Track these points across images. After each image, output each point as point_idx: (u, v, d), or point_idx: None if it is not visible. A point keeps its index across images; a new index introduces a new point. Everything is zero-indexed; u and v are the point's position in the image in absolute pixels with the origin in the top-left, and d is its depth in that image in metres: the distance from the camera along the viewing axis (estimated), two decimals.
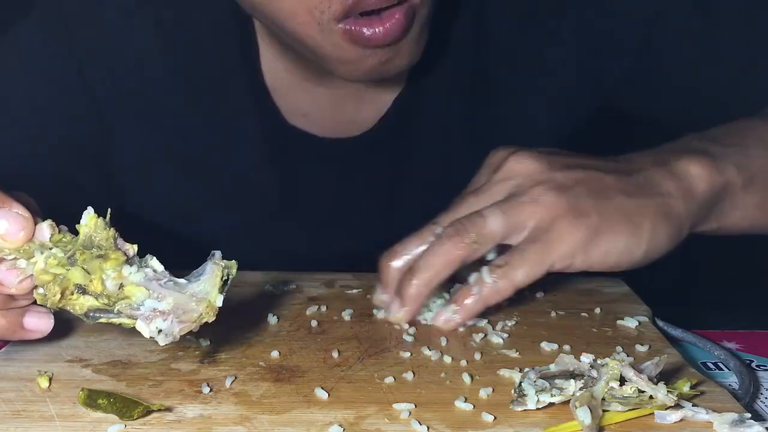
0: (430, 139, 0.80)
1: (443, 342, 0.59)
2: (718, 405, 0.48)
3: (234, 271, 0.47)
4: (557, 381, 0.48)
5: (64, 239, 0.46)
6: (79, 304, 0.45)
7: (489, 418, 0.47)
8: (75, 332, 0.58)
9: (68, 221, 0.47)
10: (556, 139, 0.80)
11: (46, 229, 0.46)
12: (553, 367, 0.50)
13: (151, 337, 0.45)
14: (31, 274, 0.45)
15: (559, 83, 0.80)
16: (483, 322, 0.62)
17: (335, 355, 0.56)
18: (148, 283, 0.46)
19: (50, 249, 0.45)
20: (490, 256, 0.61)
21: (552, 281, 0.60)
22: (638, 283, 0.72)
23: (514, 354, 0.57)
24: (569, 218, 0.58)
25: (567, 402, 0.47)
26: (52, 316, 0.50)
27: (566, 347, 0.58)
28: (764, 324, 0.70)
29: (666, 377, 0.49)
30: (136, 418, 0.45)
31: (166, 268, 0.47)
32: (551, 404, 0.47)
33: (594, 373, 0.48)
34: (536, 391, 0.47)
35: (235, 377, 0.51)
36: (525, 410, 0.47)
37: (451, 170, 0.81)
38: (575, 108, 0.83)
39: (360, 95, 0.78)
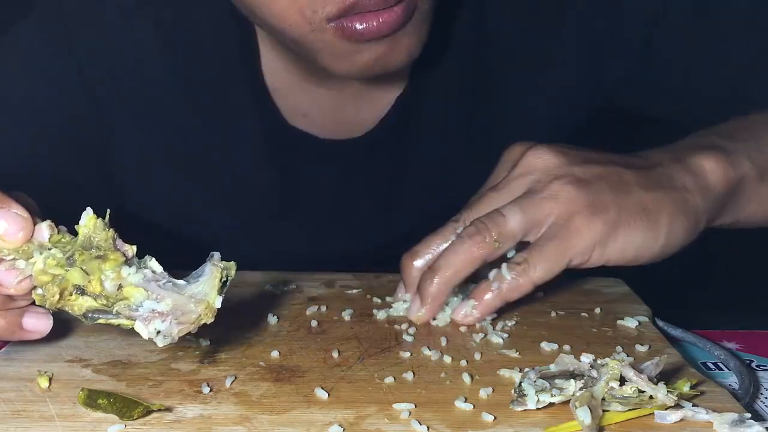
0: (430, 139, 0.80)
1: (443, 342, 0.59)
2: (718, 405, 0.48)
3: (233, 272, 0.47)
4: (557, 381, 0.48)
5: (63, 240, 0.46)
6: (78, 305, 0.45)
7: (489, 418, 0.47)
8: (75, 332, 0.58)
9: (68, 221, 0.47)
10: (556, 139, 0.80)
11: (45, 229, 0.46)
12: (553, 367, 0.50)
13: (149, 338, 0.45)
14: (30, 275, 0.45)
15: (559, 83, 0.80)
16: (483, 322, 0.62)
17: (335, 355, 0.56)
18: (147, 284, 0.46)
19: (49, 249, 0.45)
20: (510, 253, 0.61)
21: (552, 281, 0.60)
22: (638, 283, 0.72)
23: (514, 354, 0.57)
24: (586, 214, 0.59)
25: (567, 402, 0.47)
26: (51, 317, 0.50)
27: (566, 347, 0.58)
28: (764, 324, 0.70)
29: (666, 377, 0.49)
30: (136, 418, 0.45)
31: (165, 269, 0.47)
32: (551, 404, 0.47)
33: (594, 373, 0.47)
34: (536, 391, 0.47)
35: (235, 377, 0.51)
36: (525, 410, 0.47)
37: (451, 170, 0.81)
38: (576, 108, 0.83)
39: (360, 96, 0.77)
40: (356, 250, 0.82)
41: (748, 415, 0.46)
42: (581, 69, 0.80)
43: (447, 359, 0.55)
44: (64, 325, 0.55)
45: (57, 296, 0.45)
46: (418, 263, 0.64)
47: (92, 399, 0.46)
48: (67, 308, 0.45)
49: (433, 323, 0.62)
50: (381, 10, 0.59)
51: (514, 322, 0.63)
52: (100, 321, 0.46)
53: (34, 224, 0.46)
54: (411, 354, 0.56)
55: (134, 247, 0.47)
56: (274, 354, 0.55)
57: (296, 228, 0.82)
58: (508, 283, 0.59)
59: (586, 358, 0.49)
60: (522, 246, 0.61)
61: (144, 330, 0.45)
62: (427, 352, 0.56)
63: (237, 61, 0.75)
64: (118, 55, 0.74)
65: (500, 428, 0.46)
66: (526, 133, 0.77)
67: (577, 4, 0.78)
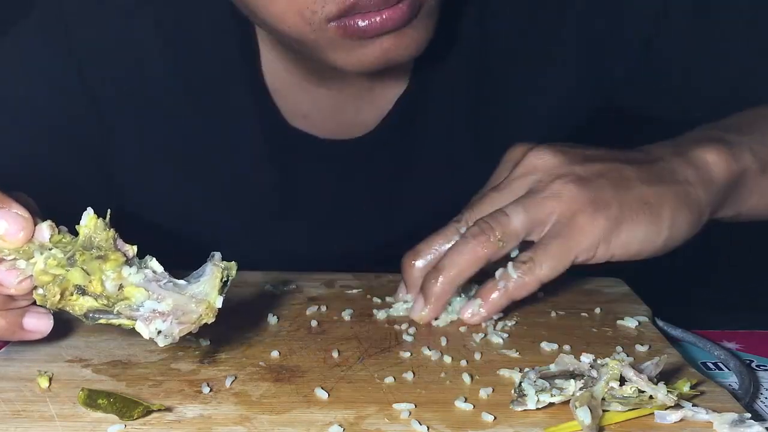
0: (438, 135, 0.80)
1: (443, 342, 0.59)
2: (718, 405, 0.48)
3: (233, 272, 0.48)
4: (557, 381, 0.48)
5: (63, 240, 0.46)
6: (79, 305, 0.45)
7: (489, 418, 0.47)
8: (75, 332, 0.58)
9: (68, 221, 0.47)
10: (556, 139, 0.80)
11: (45, 229, 0.46)
12: (553, 367, 0.50)
13: (150, 338, 0.45)
14: (31, 275, 0.45)
15: (559, 83, 0.80)
16: (484, 322, 0.62)
17: (335, 355, 0.56)
18: (148, 284, 0.46)
19: (50, 249, 0.45)
20: (513, 253, 0.62)
21: (553, 280, 0.60)
22: (638, 283, 0.72)
23: (514, 354, 0.57)
24: (589, 211, 0.59)
25: (567, 402, 0.47)
26: (52, 317, 0.50)
27: (566, 347, 0.58)
28: (764, 324, 0.70)
29: (666, 377, 0.49)
30: (136, 418, 0.45)
31: (165, 269, 0.47)
32: (551, 404, 0.47)
33: (594, 373, 0.47)
34: (536, 391, 0.47)
35: (235, 377, 0.51)
36: (525, 410, 0.47)
37: (451, 170, 0.81)
38: (576, 108, 0.83)
39: (360, 96, 0.77)
40: (356, 250, 0.82)
41: (748, 415, 0.46)
42: (581, 69, 0.80)
43: (447, 359, 0.55)
44: (64, 325, 0.56)
45: (58, 296, 0.45)
46: (420, 263, 0.64)
47: (92, 399, 0.46)
48: (67, 308, 0.45)
49: (435, 323, 0.62)
50: (383, 9, 0.58)
51: (514, 322, 0.63)
52: (101, 321, 0.46)
53: (35, 224, 0.46)
54: (411, 354, 0.56)
55: (135, 247, 0.47)
56: (274, 354, 0.55)
57: (296, 228, 0.82)
58: (515, 281, 0.60)
59: (586, 358, 0.49)
60: (524, 246, 0.61)
61: (145, 330, 0.45)
62: (427, 352, 0.56)
63: (237, 61, 0.75)
64: (118, 56, 0.74)
65: (500, 428, 0.46)
66: (526, 132, 0.77)
67: (577, 4, 0.78)
